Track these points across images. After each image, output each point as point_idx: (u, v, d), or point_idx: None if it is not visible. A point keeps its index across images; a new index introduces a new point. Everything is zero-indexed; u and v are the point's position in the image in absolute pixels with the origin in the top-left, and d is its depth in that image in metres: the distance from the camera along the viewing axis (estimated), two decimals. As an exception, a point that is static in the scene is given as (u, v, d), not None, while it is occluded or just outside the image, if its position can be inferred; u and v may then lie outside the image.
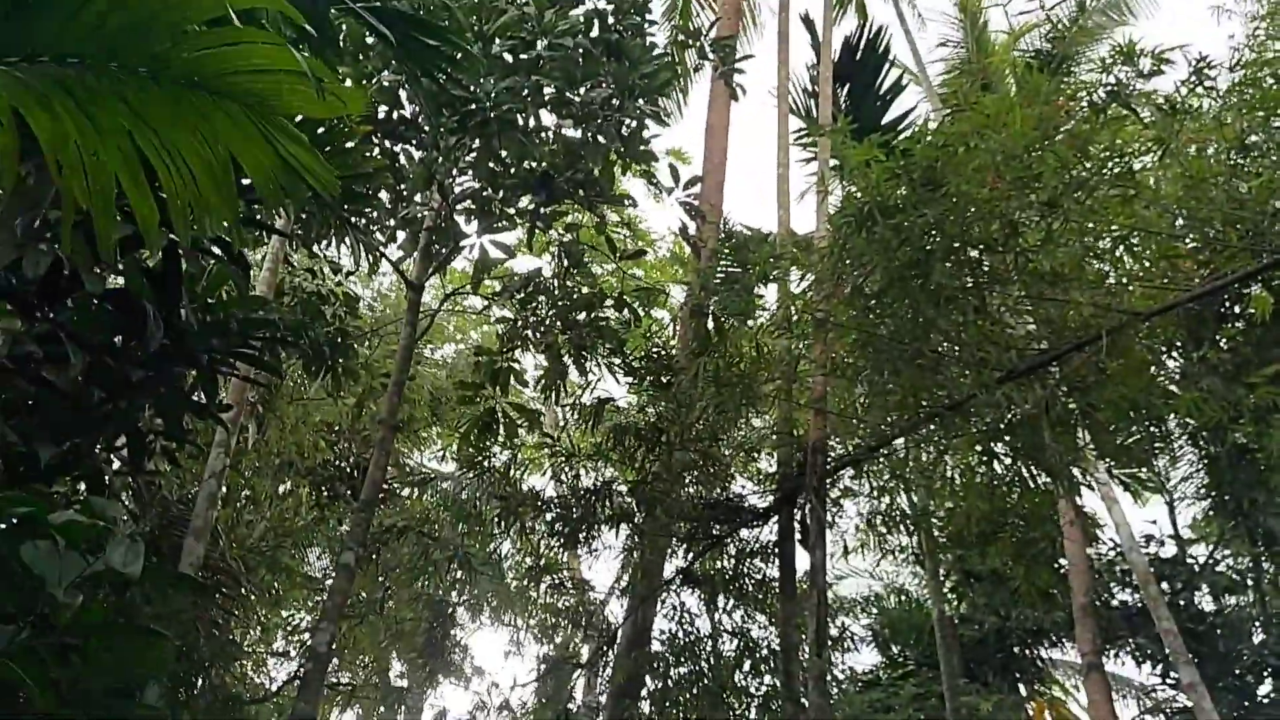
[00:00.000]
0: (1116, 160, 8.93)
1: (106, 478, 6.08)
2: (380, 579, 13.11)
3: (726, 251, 10.38)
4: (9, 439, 4.97)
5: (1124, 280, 9.81)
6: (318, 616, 10.74)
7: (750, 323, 9.90)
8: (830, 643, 13.91)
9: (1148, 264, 9.89)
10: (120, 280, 5.88)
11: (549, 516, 10.29)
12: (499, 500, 10.45)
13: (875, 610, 20.23)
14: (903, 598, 20.28)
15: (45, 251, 5.18)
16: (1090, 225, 9.08)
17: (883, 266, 8.55)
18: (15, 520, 4.02)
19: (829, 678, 9.41)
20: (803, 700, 8.98)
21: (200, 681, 8.73)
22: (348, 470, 16.36)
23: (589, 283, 10.02)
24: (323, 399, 14.01)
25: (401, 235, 10.09)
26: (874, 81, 15.38)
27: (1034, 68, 9.49)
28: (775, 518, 9.87)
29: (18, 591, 4.19)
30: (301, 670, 14.43)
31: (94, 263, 5.40)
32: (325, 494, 16.21)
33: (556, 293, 9.89)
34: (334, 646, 8.11)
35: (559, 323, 10.16)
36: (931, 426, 9.59)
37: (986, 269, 9.06)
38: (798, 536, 9.58)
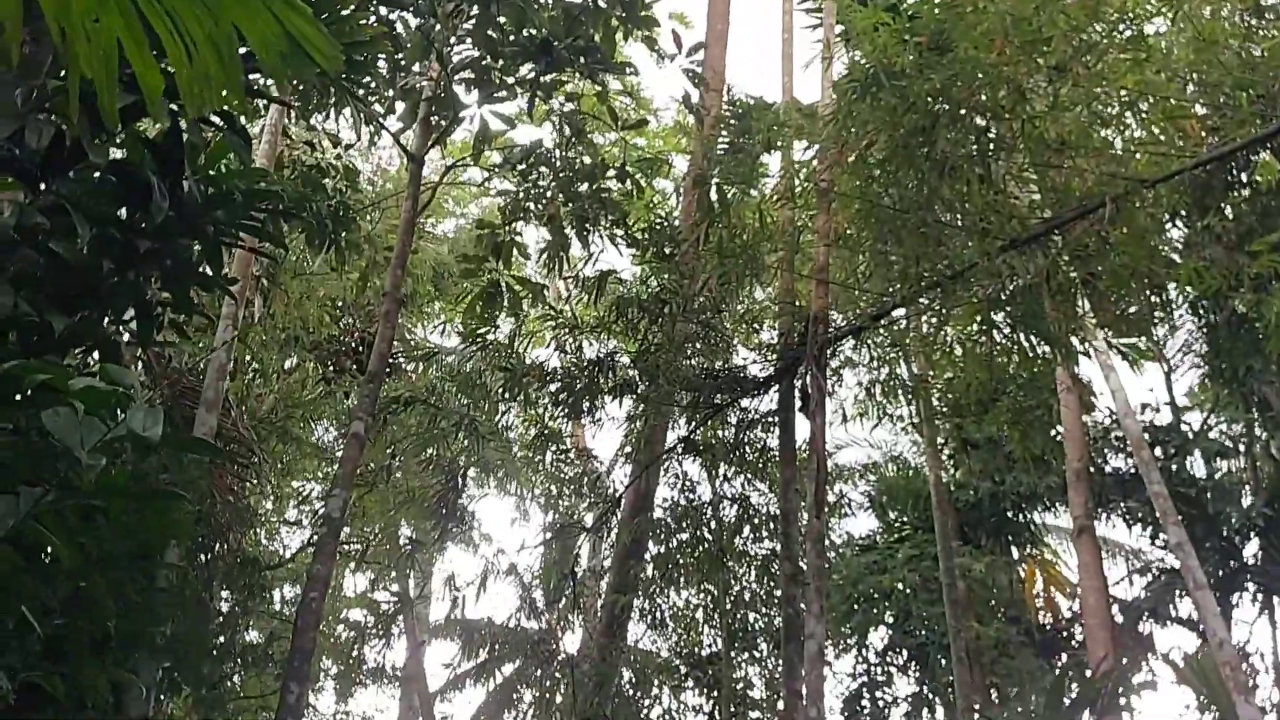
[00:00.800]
0: (1127, 23, 8.76)
1: (119, 348, 6.17)
2: (389, 449, 13.35)
3: (730, 120, 10.25)
4: (21, 310, 5.03)
5: (1130, 148, 9.72)
6: (329, 485, 11.00)
7: (754, 193, 9.86)
8: (828, 508, 14.28)
9: (1155, 130, 9.78)
10: (121, 152, 5.86)
11: (553, 387, 10.43)
12: (503, 372, 10.58)
13: (873, 477, 20.65)
14: (899, 465, 20.67)
15: (47, 122, 5.15)
16: (1098, 90, 8.96)
17: (887, 134, 8.48)
18: (34, 388, 4.12)
19: (826, 541, 9.70)
20: (800, 562, 9.27)
21: (219, 546, 9.03)
22: (353, 345, 16.50)
23: (591, 153, 9.93)
24: (326, 274, 14.03)
25: (400, 106, 9.96)
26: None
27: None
28: (776, 387, 10.00)
29: (40, 457, 4.32)
30: (315, 537, 14.84)
31: (94, 134, 5.37)
32: (331, 368, 16.38)
33: (558, 164, 9.82)
34: (346, 513, 8.35)
35: (561, 194, 10.12)
36: (932, 296, 9.64)
37: (992, 136, 8.98)
38: (798, 405, 9.73)
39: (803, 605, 8.98)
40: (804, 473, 9.79)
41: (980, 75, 8.23)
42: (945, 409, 14.77)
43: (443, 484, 14.36)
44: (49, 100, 5.23)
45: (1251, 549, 18.01)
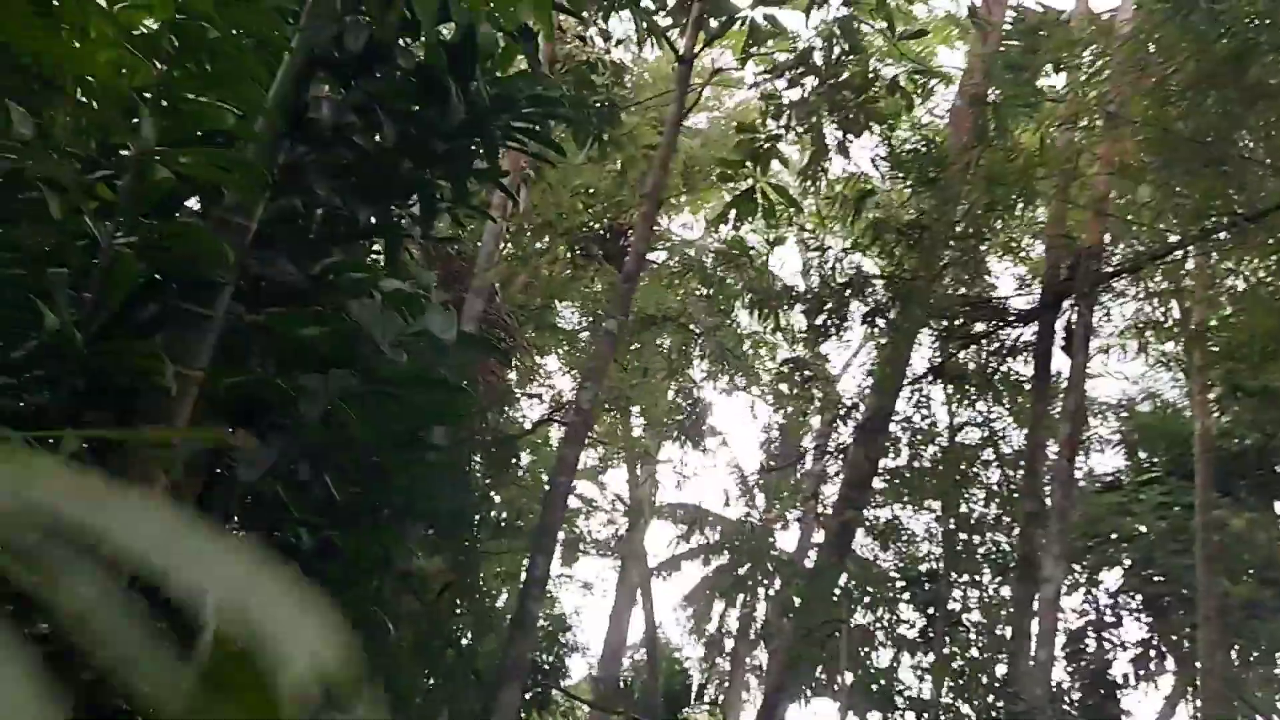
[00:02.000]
0: None
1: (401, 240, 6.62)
2: (637, 364, 13.63)
3: (1015, 34, 9.62)
4: (332, 201, 5.48)
5: None
6: (571, 366, 11.39)
7: (1033, 115, 9.25)
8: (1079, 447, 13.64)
9: None
10: (421, 55, 6.18)
11: (802, 308, 10.36)
12: (753, 294, 10.58)
13: (1125, 414, 19.48)
14: (1157, 404, 19.39)
15: (363, 24, 5.48)
16: None
17: (1194, 59, 7.76)
18: (348, 283, 4.51)
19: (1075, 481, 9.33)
20: (1045, 500, 9.00)
21: (480, 423, 9.66)
22: (602, 233, 16.94)
23: (863, 65, 9.57)
24: (584, 164, 14.37)
25: (671, 2, 9.92)
26: None
27: None
28: (1037, 320, 9.57)
29: (348, 343, 4.75)
30: (554, 413, 15.55)
31: (400, 36, 5.70)
32: (580, 253, 16.90)
33: (825, 72, 9.53)
34: (595, 404, 8.72)
35: (826, 105, 9.87)
36: (1224, 236, 8.89)
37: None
38: (1059, 341, 9.29)
39: (1042, 543, 8.76)
40: (1055, 409, 9.41)
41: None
42: (1220, 352, 13.72)
43: (688, 405, 14.66)
44: (362, 3, 5.57)
45: None
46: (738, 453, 22.47)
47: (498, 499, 9.83)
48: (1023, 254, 10.78)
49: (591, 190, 16.69)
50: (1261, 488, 17.98)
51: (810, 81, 9.74)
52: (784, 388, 13.35)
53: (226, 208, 5.16)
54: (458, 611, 9.33)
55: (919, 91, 9.82)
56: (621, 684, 25.00)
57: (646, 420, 18.68)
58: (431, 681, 8.80)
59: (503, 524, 11.15)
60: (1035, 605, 8.77)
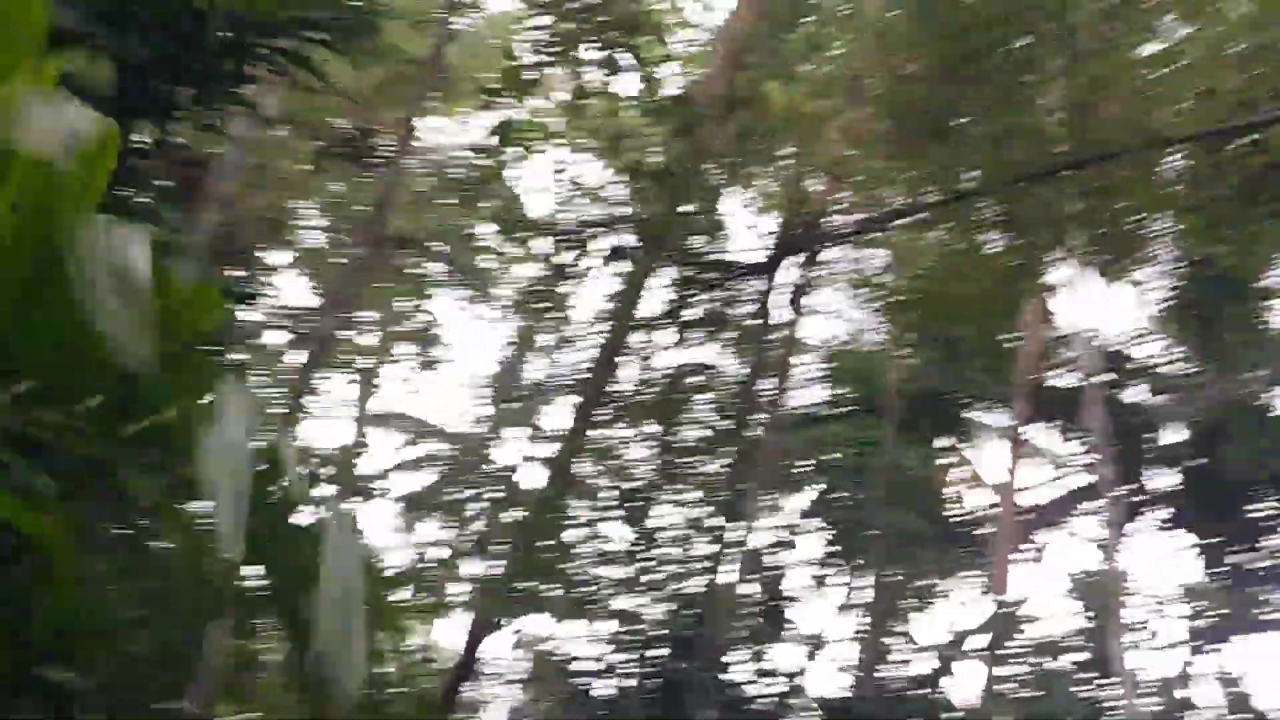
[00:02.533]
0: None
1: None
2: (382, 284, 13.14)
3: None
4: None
5: (1161, 96, 9.69)
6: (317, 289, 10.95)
7: (784, 82, 9.67)
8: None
9: (1189, 85, 9.75)
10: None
11: (549, 241, 10.42)
12: (500, 221, 10.49)
13: (831, 355, 21.01)
14: (859, 345, 21.04)
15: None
16: (1147, 36, 8.88)
17: (931, 49, 8.37)
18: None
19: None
20: (754, 436, 9.63)
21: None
22: (353, 131, 16.14)
23: (630, 6, 9.59)
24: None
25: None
26: None
27: None
28: (765, 273, 10.13)
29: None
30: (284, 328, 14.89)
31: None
32: (325, 150, 16.03)
33: (594, 7, 9.49)
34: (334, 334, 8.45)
35: (590, 37, 9.84)
36: (941, 210, 9.74)
37: (1035, 67, 8.90)
38: (783, 292, 9.89)
39: (744, 484, 9.42)
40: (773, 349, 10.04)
41: (1041, 6, 8.10)
42: (917, 304, 15.02)
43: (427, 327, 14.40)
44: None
45: (1168, 480, 18.88)
46: (469, 369, 22.28)
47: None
48: (760, 210, 11.30)
49: (343, 89, 15.79)
50: (937, 424, 20.07)
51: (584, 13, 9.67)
52: (524, 311, 13.43)
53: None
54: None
55: (679, 41, 10.01)
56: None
57: (376, 332, 18.24)
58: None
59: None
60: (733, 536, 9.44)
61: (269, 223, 11.36)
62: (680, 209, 9.94)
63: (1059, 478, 21.56)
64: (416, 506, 26.30)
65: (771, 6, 10.19)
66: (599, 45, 9.70)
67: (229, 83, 6.17)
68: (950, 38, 8.11)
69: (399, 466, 27.04)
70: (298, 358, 18.18)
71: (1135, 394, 20.04)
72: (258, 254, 10.45)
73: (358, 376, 23.61)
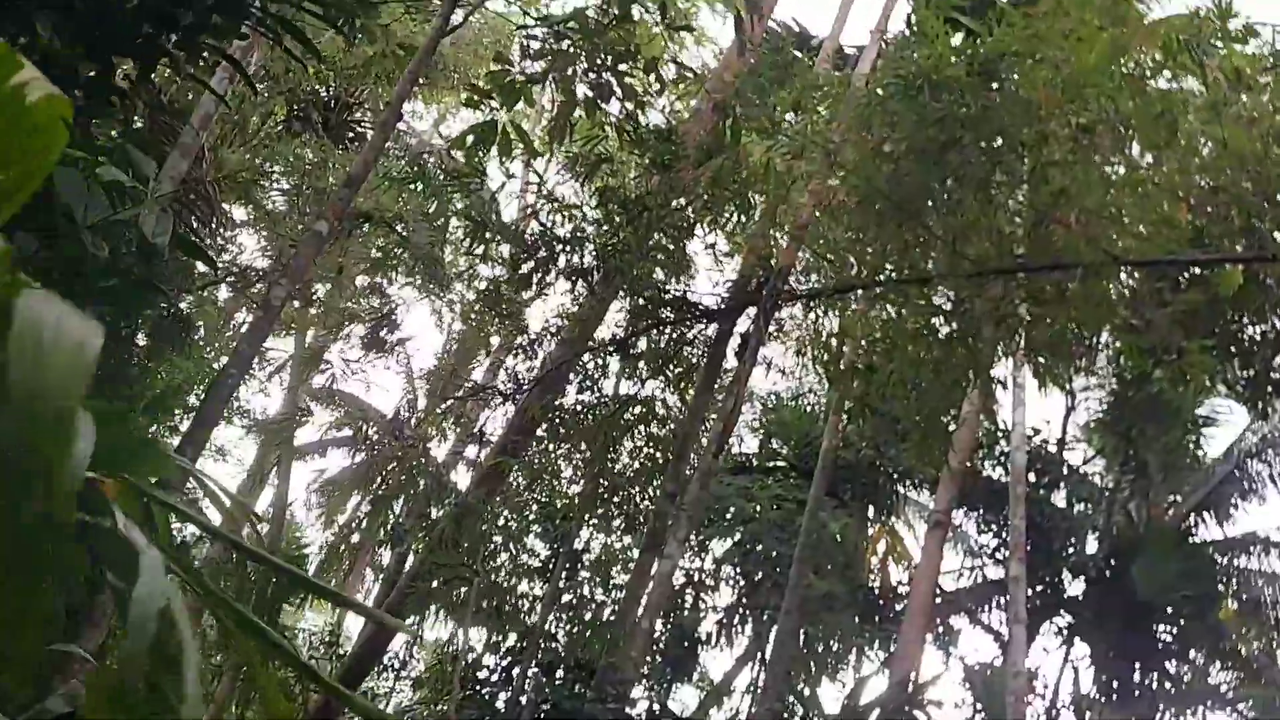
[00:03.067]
0: (1166, 108, 8.96)
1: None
2: (340, 258, 13.27)
3: (768, 61, 10.21)
4: (53, 45, 4.99)
5: (1121, 218, 10.03)
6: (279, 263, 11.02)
7: (765, 139, 9.90)
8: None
9: (1148, 212, 10.11)
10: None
11: (512, 250, 10.53)
12: (470, 221, 10.60)
13: (771, 404, 21.31)
14: (799, 403, 21.36)
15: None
16: (1115, 160, 9.22)
17: (911, 134, 8.63)
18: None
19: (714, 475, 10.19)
20: (684, 486, 9.76)
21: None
22: (327, 100, 16.15)
23: (628, 37, 9.79)
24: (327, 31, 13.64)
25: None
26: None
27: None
28: (719, 321, 10.32)
29: (39, 209, 4.39)
30: (237, 285, 14.86)
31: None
32: (297, 113, 16.02)
33: (592, 30, 9.67)
34: (285, 305, 8.46)
35: (584, 62, 10.03)
36: (895, 291, 9.99)
37: (1005, 170, 9.19)
38: (733, 344, 10.07)
39: (670, 523, 9.53)
40: (715, 405, 10.21)
41: (1018, 113, 8.40)
42: (861, 374, 15.30)
43: (381, 311, 14.45)
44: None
45: (1077, 589, 19.29)
46: (416, 359, 22.27)
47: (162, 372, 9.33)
48: (723, 260, 11.52)
49: (327, 58, 15.88)
50: (863, 495, 20.39)
51: (578, 37, 9.85)
52: (477, 312, 13.50)
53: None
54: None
55: (672, 81, 10.21)
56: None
57: (325, 308, 18.21)
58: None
59: (163, 397, 10.59)
60: (653, 574, 9.54)
61: (235, 180, 11.35)
62: (647, 241, 10.10)
63: (976, 567, 21.99)
64: (342, 487, 26.18)
65: (764, 60, 10.44)
66: (590, 66, 9.87)
67: (216, 36, 6.27)
68: (928, 125, 8.37)
69: (332, 444, 26.95)
70: (245, 318, 18.17)
71: (1059, 499, 20.53)
72: (222, 207, 10.45)
73: (305, 347, 23.53)
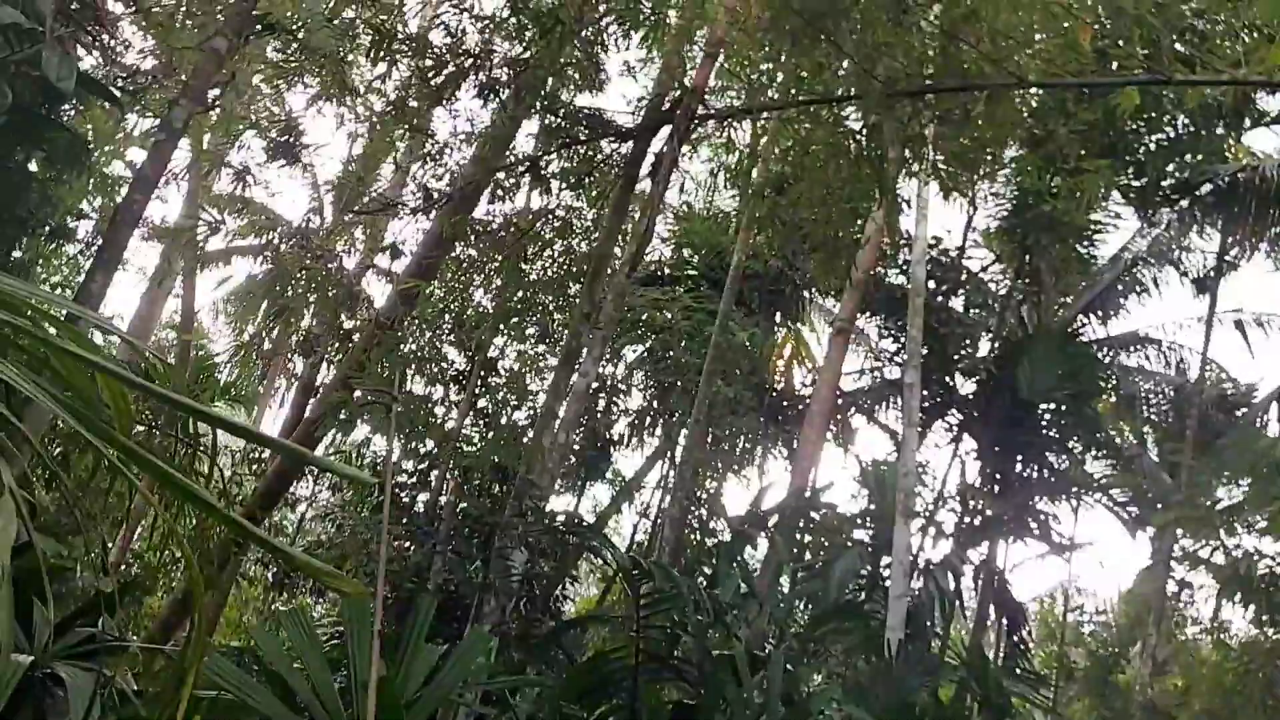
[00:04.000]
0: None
1: None
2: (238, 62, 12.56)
3: None
4: None
5: (1028, 43, 10.15)
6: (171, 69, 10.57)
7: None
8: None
9: (1054, 35, 10.24)
10: None
11: (425, 62, 10.23)
12: (376, 31, 10.20)
13: (683, 216, 21.48)
14: (711, 213, 21.56)
15: None
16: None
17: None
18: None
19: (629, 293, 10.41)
20: (597, 303, 9.98)
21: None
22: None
23: None
24: None
25: None
26: None
27: None
28: (633, 140, 10.31)
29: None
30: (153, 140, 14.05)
31: None
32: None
33: None
34: (187, 126, 8.20)
35: None
36: (805, 111, 10.07)
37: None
38: (648, 164, 10.12)
39: (588, 338, 9.81)
40: (629, 223, 10.34)
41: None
42: (769, 187, 15.51)
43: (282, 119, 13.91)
44: None
45: (969, 389, 20.32)
46: (320, 165, 21.71)
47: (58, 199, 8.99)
48: (635, 77, 11.37)
49: None
50: (771, 303, 20.98)
51: None
52: (382, 123, 13.19)
53: None
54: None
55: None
56: (143, 364, 24.14)
57: (224, 112, 17.47)
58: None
59: (60, 234, 10.25)
60: (569, 389, 9.89)
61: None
62: (559, 57, 9.93)
63: (874, 369, 23.03)
64: (250, 297, 25.88)
65: None
66: None
67: None
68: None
69: (237, 252, 26.47)
70: (138, 122, 17.41)
71: (957, 304, 21.35)
72: (111, 16, 9.87)
73: (204, 151, 22.68)
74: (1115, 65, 10.48)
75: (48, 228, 9.04)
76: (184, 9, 10.82)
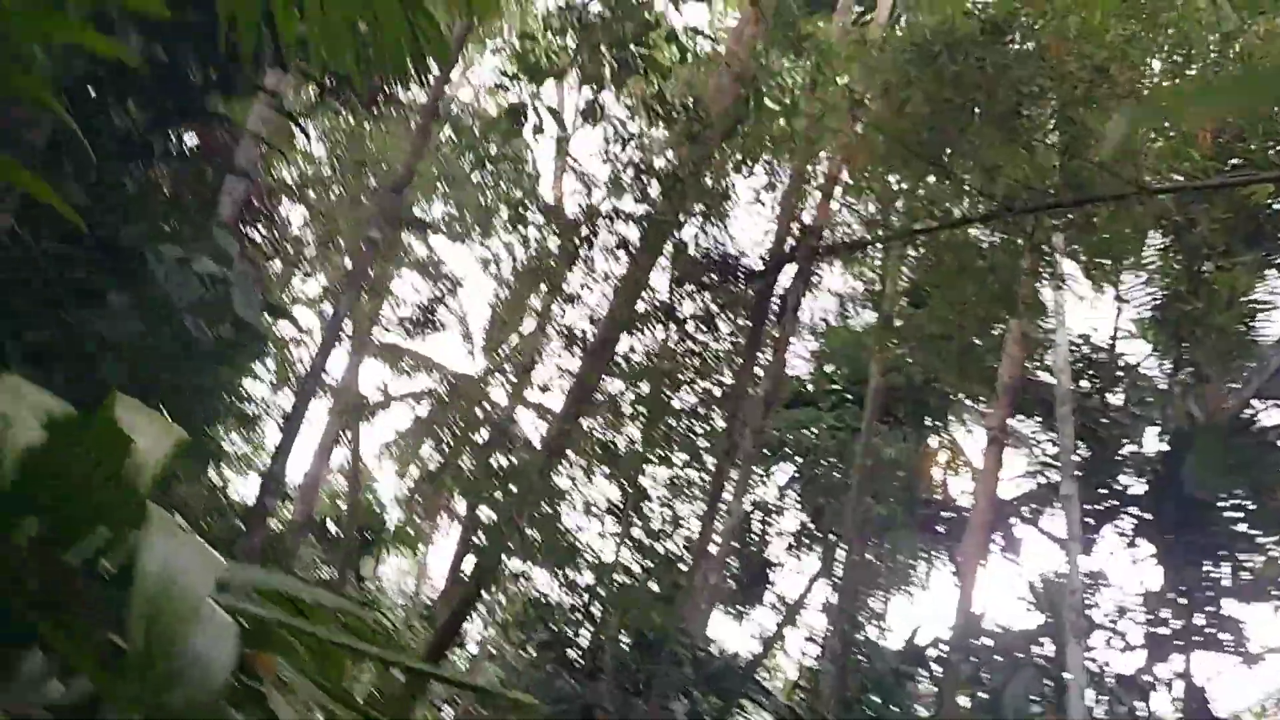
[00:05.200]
0: (1181, 46, 9.05)
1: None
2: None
3: (781, 28, 10.38)
4: (125, 123, 5.49)
5: (1147, 147, 10.15)
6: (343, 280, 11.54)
7: (786, 107, 10.14)
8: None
9: (1169, 138, 10.21)
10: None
11: (557, 227, 10.93)
12: (512, 207, 11.01)
13: (821, 332, 21.58)
14: (848, 327, 21.61)
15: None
16: (1132, 94, 9.32)
17: (933, 93, 8.85)
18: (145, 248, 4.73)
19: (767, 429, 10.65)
20: (738, 439, 10.26)
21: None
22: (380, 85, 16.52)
23: (638, 15, 10.00)
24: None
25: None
26: None
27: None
28: (761, 280, 10.68)
29: (141, 285, 4.92)
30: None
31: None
32: (330, 85, 16.35)
33: (616, 14, 9.92)
34: (348, 312, 9.00)
35: (607, 37, 10.27)
36: (928, 237, 10.27)
37: (1024, 113, 9.37)
38: (776, 301, 10.45)
39: (731, 477, 10.07)
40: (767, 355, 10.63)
41: (1032, 64, 8.57)
42: (903, 301, 15.55)
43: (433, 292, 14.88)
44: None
45: (1140, 488, 19.44)
46: (472, 317, 22.87)
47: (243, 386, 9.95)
48: (760, 219, 11.80)
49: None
50: (917, 414, 20.71)
51: (596, 8, 10.10)
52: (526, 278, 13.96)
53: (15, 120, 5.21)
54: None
55: (692, 52, 10.43)
56: (316, 517, 25.45)
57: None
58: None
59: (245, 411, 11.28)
60: (717, 523, 10.11)
61: (287, 187, 11.82)
62: (685, 210, 10.45)
63: (1036, 472, 22.24)
64: (412, 438, 27.06)
65: (776, 25, 10.62)
66: (613, 41, 10.10)
67: (255, 78, 6.78)
68: (945, 84, 8.59)
69: (398, 399, 27.82)
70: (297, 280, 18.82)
71: (1116, 399, 20.59)
72: (279, 214, 10.95)
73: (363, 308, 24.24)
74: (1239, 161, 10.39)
75: (235, 407, 9.98)
76: (344, 203, 11.87)
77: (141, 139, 5.64)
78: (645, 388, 12.95)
